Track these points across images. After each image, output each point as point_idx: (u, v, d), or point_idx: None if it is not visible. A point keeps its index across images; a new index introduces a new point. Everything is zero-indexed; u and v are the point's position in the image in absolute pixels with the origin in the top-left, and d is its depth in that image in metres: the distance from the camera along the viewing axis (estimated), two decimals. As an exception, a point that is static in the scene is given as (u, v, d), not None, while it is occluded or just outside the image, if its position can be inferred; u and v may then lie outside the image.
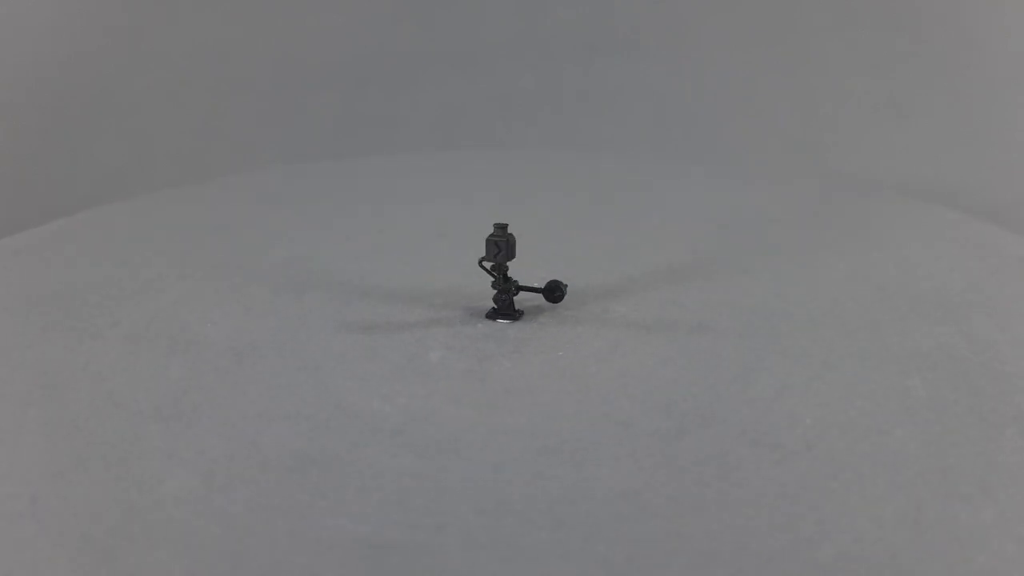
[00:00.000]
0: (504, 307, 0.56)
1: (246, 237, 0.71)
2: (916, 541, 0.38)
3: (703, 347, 0.53)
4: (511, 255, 0.55)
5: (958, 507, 0.40)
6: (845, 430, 0.45)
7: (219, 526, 0.39)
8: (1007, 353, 0.52)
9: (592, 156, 0.95)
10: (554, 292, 0.57)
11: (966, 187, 0.98)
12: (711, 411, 0.47)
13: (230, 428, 0.46)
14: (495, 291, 0.56)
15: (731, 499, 0.40)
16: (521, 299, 0.57)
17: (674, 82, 1.12)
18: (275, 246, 0.69)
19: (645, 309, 0.57)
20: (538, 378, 0.50)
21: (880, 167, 1.03)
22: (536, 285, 0.57)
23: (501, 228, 0.55)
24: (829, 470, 0.42)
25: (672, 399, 0.48)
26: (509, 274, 0.56)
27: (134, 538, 0.39)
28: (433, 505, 0.40)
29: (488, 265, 0.56)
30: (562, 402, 0.48)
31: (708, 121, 1.10)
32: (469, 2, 1.14)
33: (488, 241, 0.55)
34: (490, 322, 0.56)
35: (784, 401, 0.47)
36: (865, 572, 0.37)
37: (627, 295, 0.59)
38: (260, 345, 0.53)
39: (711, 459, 0.43)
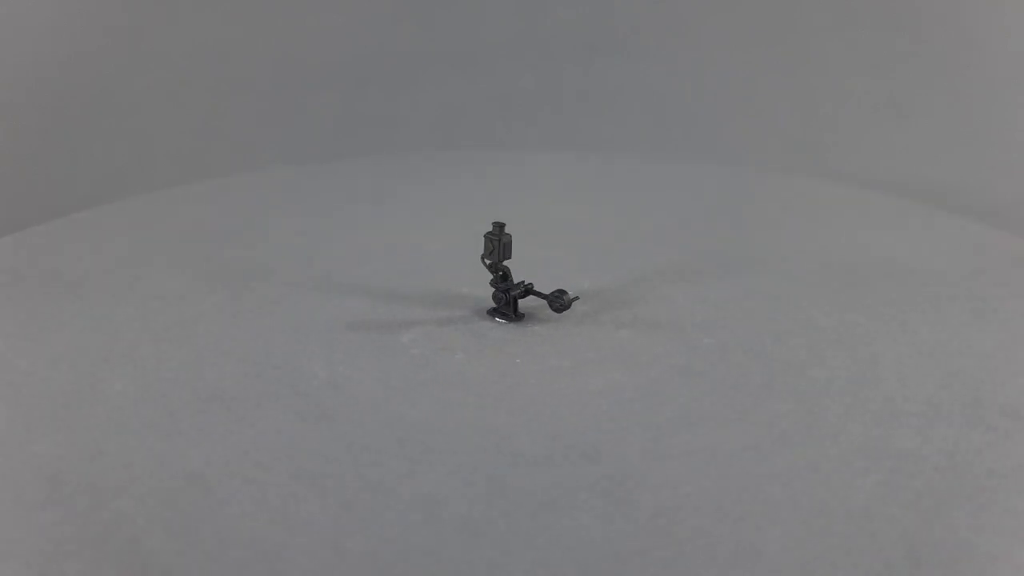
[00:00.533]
0: (502, 306, 0.56)
1: (246, 237, 0.71)
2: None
3: (668, 387, 0.50)
4: (507, 255, 0.55)
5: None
6: (716, 512, 0.41)
7: (113, 427, 0.47)
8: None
9: (592, 156, 0.95)
10: (554, 303, 0.56)
11: (966, 187, 0.98)
12: (599, 453, 0.45)
13: (192, 357, 0.52)
14: (494, 289, 0.56)
15: (519, 534, 0.39)
16: (531, 303, 0.57)
17: (674, 82, 1.12)
18: (275, 246, 0.69)
19: (646, 329, 0.56)
20: (470, 377, 0.50)
21: (880, 167, 1.03)
22: (545, 292, 0.57)
23: (498, 227, 0.55)
24: (651, 542, 0.39)
25: (573, 431, 0.46)
26: (522, 277, 0.56)
27: (57, 420, 0.47)
28: (266, 460, 0.44)
29: (488, 262, 0.56)
30: (465, 404, 0.48)
31: (708, 121, 1.10)
32: (469, 2, 1.14)
33: (485, 237, 0.56)
34: (483, 320, 0.56)
35: (685, 464, 0.44)
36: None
37: (639, 306, 0.58)
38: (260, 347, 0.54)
39: (542, 493, 0.42)
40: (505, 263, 0.56)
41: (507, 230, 0.55)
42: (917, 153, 1.05)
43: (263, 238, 0.70)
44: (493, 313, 0.56)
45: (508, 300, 0.56)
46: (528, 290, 0.56)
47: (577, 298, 0.57)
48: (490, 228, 0.56)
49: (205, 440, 0.45)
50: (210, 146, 1.07)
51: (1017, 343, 0.55)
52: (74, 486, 0.42)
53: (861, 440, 0.46)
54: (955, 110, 1.08)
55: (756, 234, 0.72)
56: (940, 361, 0.53)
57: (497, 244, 0.55)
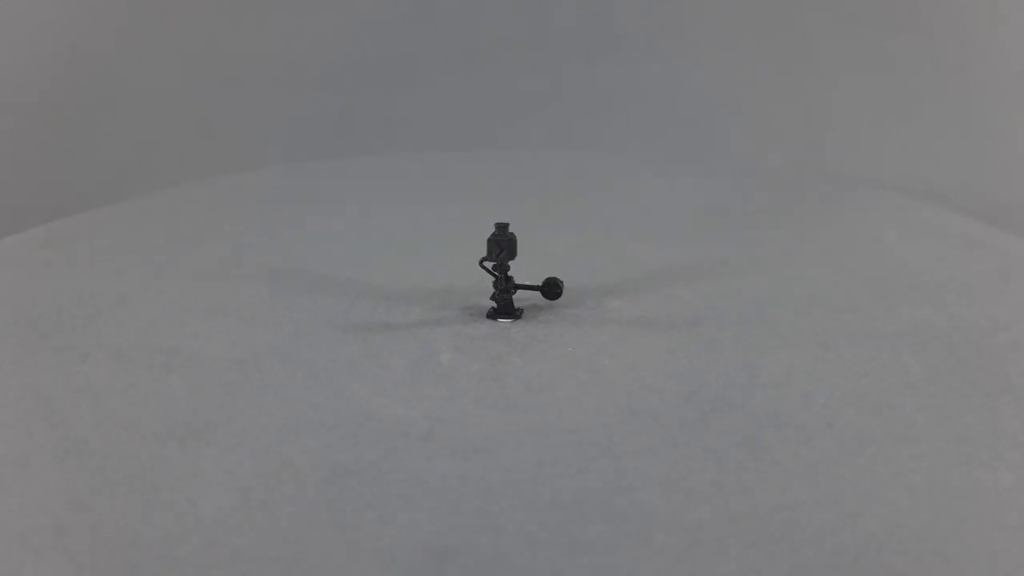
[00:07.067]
0: (504, 306, 0.56)
1: (246, 237, 0.71)
2: (950, 506, 0.39)
3: (704, 338, 0.54)
4: (513, 254, 0.55)
5: (979, 473, 0.42)
6: (857, 407, 0.46)
7: (267, 544, 0.37)
8: (984, 327, 0.55)
9: (592, 156, 0.95)
10: (552, 289, 0.57)
11: (966, 187, 0.98)
12: (729, 397, 0.47)
13: (254, 443, 0.43)
14: (495, 291, 0.56)
15: (771, 480, 0.41)
16: (518, 297, 0.57)
17: (673, 82, 1.12)
18: (274, 246, 0.69)
19: (641, 304, 0.58)
20: (553, 374, 0.50)
21: (880, 167, 1.03)
22: (532, 283, 0.57)
23: (502, 228, 0.55)
24: (853, 446, 0.43)
25: (690, 388, 0.48)
26: (520, 276, 0.56)
27: (180, 562, 0.36)
28: (484, 506, 0.39)
29: (489, 265, 0.56)
30: (583, 396, 0.48)
31: (708, 121, 1.10)
32: (469, 2, 1.14)
33: (490, 241, 0.55)
34: (491, 322, 0.56)
35: (794, 384, 0.49)
36: (912, 538, 0.38)
37: (622, 291, 0.60)
38: (262, 353, 0.52)
39: (742, 443, 0.44)
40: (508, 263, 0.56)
41: (507, 229, 0.55)
42: (917, 153, 1.05)
43: (263, 237, 0.70)
44: (495, 315, 0.56)
45: (511, 299, 0.56)
46: (519, 286, 0.56)
47: (563, 282, 0.57)
48: (491, 229, 0.55)
49: (399, 515, 0.39)
50: (210, 146, 1.07)
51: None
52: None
53: (885, 325, 0.56)
54: (955, 110, 1.08)
55: (757, 234, 0.72)
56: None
57: (506, 244, 0.55)
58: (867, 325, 0.55)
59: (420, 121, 1.10)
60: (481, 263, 0.56)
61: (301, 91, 1.12)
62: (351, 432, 0.44)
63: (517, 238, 0.56)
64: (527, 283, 0.57)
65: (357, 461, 0.42)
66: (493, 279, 0.56)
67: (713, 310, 0.57)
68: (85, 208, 0.77)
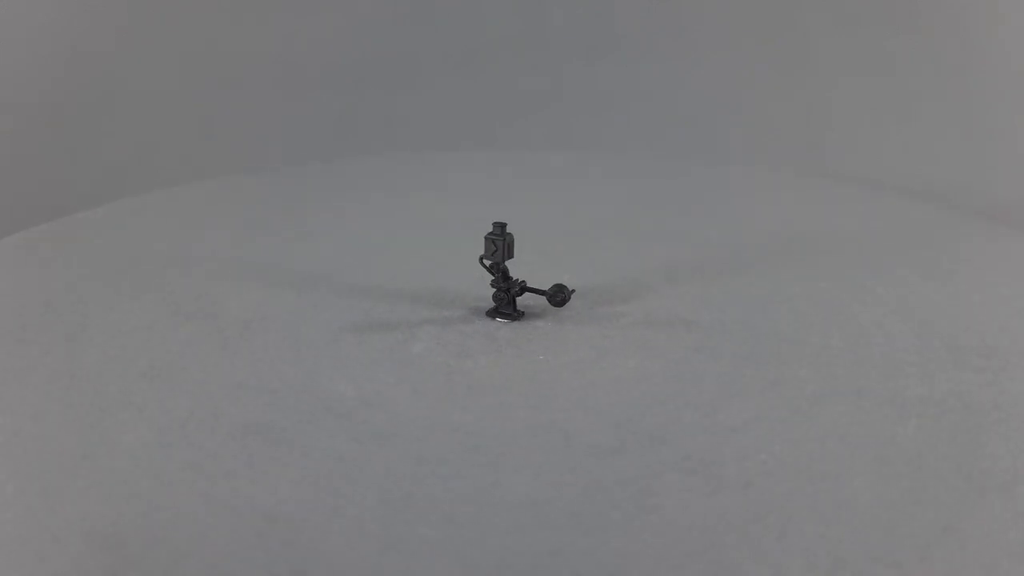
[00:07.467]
0: (503, 306, 0.56)
1: (245, 237, 0.71)
2: None
3: (693, 366, 0.51)
4: (509, 254, 0.55)
5: (879, 572, 0.37)
6: (797, 472, 0.43)
7: (151, 480, 0.42)
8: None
9: (592, 156, 0.95)
10: (555, 296, 0.56)
11: (966, 187, 0.98)
12: (665, 433, 0.45)
13: (201, 391, 0.49)
14: (494, 289, 0.56)
15: (635, 524, 0.39)
16: (526, 300, 0.57)
17: (673, 82, 1.12)
18: (274, 246, 0.69)
19: (649, 318, 0.57)
20: (505, 379, 0.50)
21: (880, 167, 1.03)
22: (542, 288, 0.57)
23: (500, 227, 0.55)
24: (757, 510, 0.40)
25: (630, 416, 0.47)
26: (515, 275, 0.56)
27: (79, 478, 0.42)
28: (344, 488, 0.41)
29: (487, 263, 0.56)
30: (516, 405, 0.48)
31: (708, 121, 1.10)
32: (469, 2, 1.14)
33: (486, 239, 0.55)
34: (487, 321, 0.56)
35: (748, 433, 0.45)
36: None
37: (636, 300, 0.59)
38: (253, 325, 0.55)
39: (636, 481, 0.42)
40: (505, 262, 0.56)
41: (507, 229, 0.55)
42: (917, 153, 1.05)
43: (264, 237, 0.70)
44: (493, 314, 0.56)
45: (509, 300, 0.56)
46: (524, 288, 0.56)
47: (574, 291, 0.57)
48: (490, 228, 0.55)
49: (265, 478, 0.42)
50: (210, 146, 1.07)
51: (970, 292, 0.61)
52: (139, 544, 0.39)
53: (882, 392, 0.49)
54: (955, 110, 1.08)
55: (758, 235, 0.72)
56: (909, 315, 0.57)
57: (501, 244, 0.55)
58: (877, 384, 0.50)
59: (420, 121, 1.10)
60: (481, 260, 0.56)
61: (301, 91, 1.12)
62: (286, 398, 0.48)
63: (515, 239, 0.56)
64: (535, 287, 0.57)
65: (270, 424, 0.46)
66: (491, 278, 0.56)
67: (719, 336, 0.54)
68: (85, 208, 0.77)
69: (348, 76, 1.12)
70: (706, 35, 1.13)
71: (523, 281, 0.57)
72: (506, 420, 0.46)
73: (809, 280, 0.62)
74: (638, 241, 0.70)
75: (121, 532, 0.39)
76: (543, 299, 0.57)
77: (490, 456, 0.44)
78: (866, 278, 0.63)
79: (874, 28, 1.11)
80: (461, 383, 0.50)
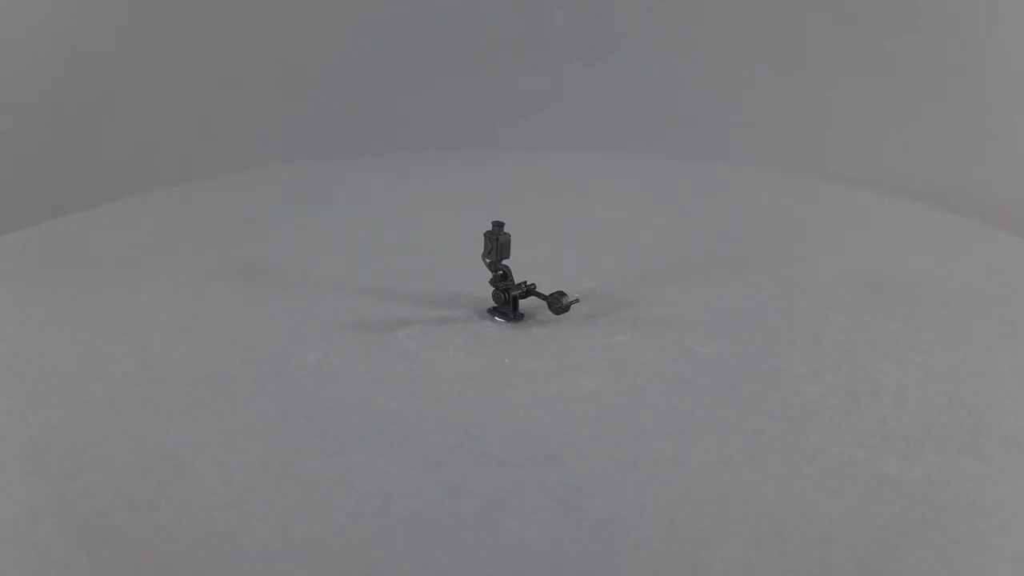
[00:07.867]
0: (501, 306, 0.56)
1: (248, 236, 0.71)
2: None
3: (649, 397, 0.48)
4: (505, 255, 0.55)
5: None
6: (665, 524, 0.39)
7: (105, 410, 0.47)
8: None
9: (592, 156, 0.95)
10: (555, 304, 0.56)
11: (966, 187, 0.98)
12: (566, 458, 0.43)
13: (188, 350, 0.53)
14: (493, 288, 0.56)
15: (463, 536, 0.38)
16: (532, 304, 0.57)
17: (674, 82, 1.12)
18: (276, 245, 0.69)
19: (641, 334, 0.55)
20: (455, 375, 0.50)
21: (880, 167, 1.03)
22: (545, 293, 0.57)
23: (498, 226, 0.55)
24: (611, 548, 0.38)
25: (543, 434, 0.45)
26: (524, 277, 0.56)
27: (61, 402, 0.48)
28: (239, 444, 0.44)
29: (488, 260, 0.56)
30: (444, 401, 0.48)
31: (708, 121, 1.10)
32: (469, 2, 1.14)
33: (486, 236, 0.56)
34: (484, 320, 0.56)
35: (647, 473, 0.42)
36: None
37: (641, 307, 0.58)
38: (253, 314, 0.56)
39: (493, 494, 0.41)
40: (505, 263, 0.56)
41: (507, 230, 0.55)
42: (917, 153, 1.05)
43: (264, 236, 0.70)
44: (493, 312, 0.56)
45: (508, 299, 0.56)
46: (529, 291, 0.56)
47: (577, 300, 0.56)
48: (490, 228, 0.56)
49: (187, 421, 0.46)
50: (210, 146, 1.07)
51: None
52: (56, 456, 0.44)
53: (840, 462, 0.43)
54: (955, 110, 1.08)
55: (762, 237, 0.72)
56: (947, 384, 0.49)
57: (495, 243, 0.55)
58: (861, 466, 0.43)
59: (420, 121, 1.10)
60: (483, 257, 0.56)
61: (301, 91, 1.12)
62: (260, 362, 0.51)
63: (511, 239, 0.56)
64: (540, 292, 0.57)
65: (229, 380, 0.50)
66: (491, 276, 0.56)
67: (710, 366, 0.51)
68: (85, 208, 0.77)
69: (348, 76, 1.12)
70: (706, 35, 1.13)
71: (532, 284, 0.57)
72: (423, 413, 0.47)
73: (847, 323, 0.56)
74: (640, 242, 0.70)
75: (50, 443, 0.45)
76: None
77: (381, 442, 0.44)
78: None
79: (874, 28, 1.11)
80: (414, 372, 0.50)
